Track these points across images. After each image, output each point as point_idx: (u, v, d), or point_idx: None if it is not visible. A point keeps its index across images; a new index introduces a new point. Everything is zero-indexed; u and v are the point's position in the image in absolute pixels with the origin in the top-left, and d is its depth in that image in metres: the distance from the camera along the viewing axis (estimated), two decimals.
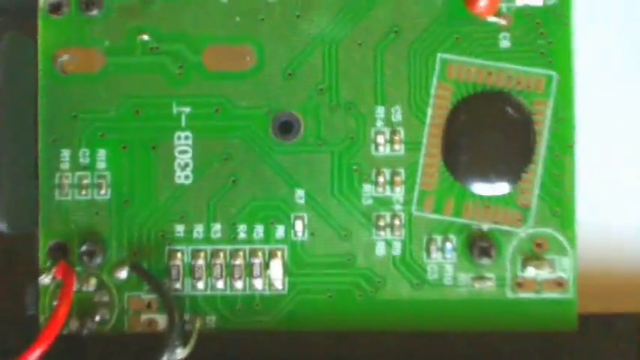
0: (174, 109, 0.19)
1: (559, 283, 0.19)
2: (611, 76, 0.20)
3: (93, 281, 0.19)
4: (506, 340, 0.19)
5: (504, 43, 0.19)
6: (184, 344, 0.18)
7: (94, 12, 0.19)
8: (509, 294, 0.19)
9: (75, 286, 0.19)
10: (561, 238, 0.19)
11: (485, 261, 0.19)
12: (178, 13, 0.19)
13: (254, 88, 0.19)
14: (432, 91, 0.19)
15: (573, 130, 0.19)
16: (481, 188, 0.19)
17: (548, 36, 0.19)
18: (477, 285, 0.19)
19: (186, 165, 0.19)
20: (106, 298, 0.19)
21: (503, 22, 0.19)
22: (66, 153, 0.19)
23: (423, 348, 0.20)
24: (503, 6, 0.19)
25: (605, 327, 0.20)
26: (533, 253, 0.19)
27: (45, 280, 0.19)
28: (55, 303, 0.19)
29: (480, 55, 0.19)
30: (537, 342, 0.20)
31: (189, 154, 0.19)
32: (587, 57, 0.20)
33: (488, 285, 0.19)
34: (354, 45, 0.19)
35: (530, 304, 0.19)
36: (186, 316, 0.19)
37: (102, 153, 0.19)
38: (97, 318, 0.19)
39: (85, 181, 0.19)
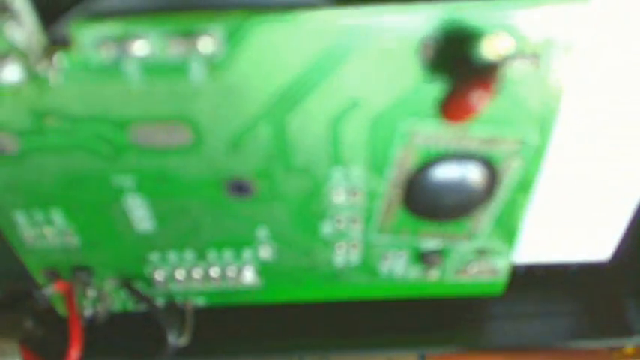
0: (115, 181, 0.19)
1: (493, 271, 0.23)
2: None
3: (91, 291, 0.23)
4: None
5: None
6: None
7: None
8: (450, 280, 0.23)
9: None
10: (501, 246, 0.21)
11: (432, 272, 0.22)
12: (83, 96, 0.16)
13: (198, 161, 0.18)
14: (395, 154, 0.18)
15: (536, 181, 0.19)
16: (437, 220, 0.21)
17: (531, 103, 0.17)
18: (423, 274, 0.23)
19: (144, 219, 0.20)
20: (107, 304, 0.23)
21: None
22: (20, 215, 0.20)
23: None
24: None
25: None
26: (475, 258, 0.22)
27: (48, 291, 0.22)
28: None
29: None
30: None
31: (144, 212, 0.20)
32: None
33: (433, 274, 0.23)
34: (305, 117, 0.17)
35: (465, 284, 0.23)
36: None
37: (56, 212, 0.20)
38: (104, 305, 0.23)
39: (50, 233, 0.20)
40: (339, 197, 0.19)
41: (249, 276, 0.22)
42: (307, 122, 0.17)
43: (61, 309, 0.23)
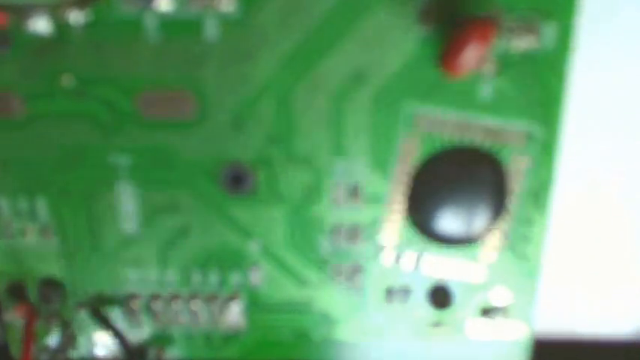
0: (111, 158, 0.19)
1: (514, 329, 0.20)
2: (601, 135, 0.19)
3: (55, 320, 0.21)
4: None
5: (485, 92, 0.18)
6: None
7: (3, 48, 0.17)
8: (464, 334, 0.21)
9: (37, 324, 0.20)
10: (520, 300, 0.20)
11: (441, 312, 0.20)
12: (102, 53, 0.17)
13: (198, 139, 0.18)
14: (397, 145, 0.18)
15: (550, 191, 0.19)
16: (444, 244, 0.19)
17: (536, 84, 0.17)
18: (434, 330, 0.20)
19: (131, 216, 0.19)
20: (70, 335, 0.21)
21: (487, 69, 0.17)
22: (3, 202, 0.19)
23: None
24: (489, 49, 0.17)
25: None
26: (491, 307, 0.20)
27: (7, 318, 0.20)
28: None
29: (455, 106, 0.18)
30: None
31: (132, 206, 0.19)
32: (578, 113, 0.18)
33: (444, 331, 0.20)
34: (310, 90, 0.18)
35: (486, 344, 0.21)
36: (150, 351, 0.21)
37: (41, 202, 0.19)
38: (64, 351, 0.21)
39: (29, 228, 0.19)
40: (339, 198, 0.19)
41: (235, 311, 0.20)
42: (311, 97, 0.18)
43: (15, 347, 0.21)
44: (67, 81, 0.18)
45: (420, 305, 0.20)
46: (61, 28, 0.17)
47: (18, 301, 0.20)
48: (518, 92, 0.17)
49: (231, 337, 0.21)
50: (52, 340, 0.20)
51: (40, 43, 0.17)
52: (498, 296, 0.20)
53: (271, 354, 0.21)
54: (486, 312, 0.20)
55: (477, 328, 0.20)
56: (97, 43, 0.17)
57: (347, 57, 0.17)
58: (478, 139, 0.18)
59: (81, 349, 0.21)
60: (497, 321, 0.20)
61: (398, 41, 0.17)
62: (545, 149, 0.18)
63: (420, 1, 0.16)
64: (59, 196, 0.19)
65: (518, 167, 0.18)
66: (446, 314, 0.20)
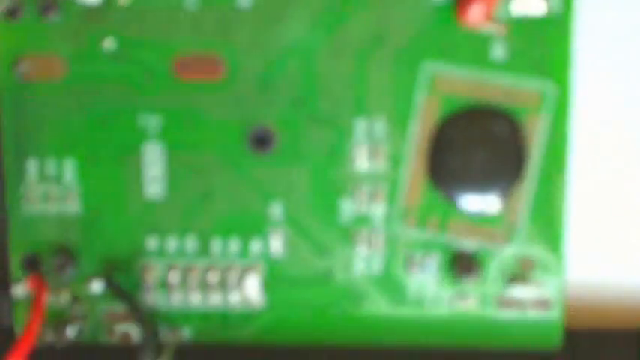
0: (142, 120, 0.19)
1: (544, 303, 0.20)
2: (612, 93, 0.20)
3: (66, 294, 0.20)
4: (487, 358, 0.20)
5: (498, 53, 0.19)
6: (159, 357, 0.19)
7: (53, 16, 0.19)
8: (492, 313, 0.20)
9: (48, 298, 0.20)
10: (549, 257, 0.19)
11: (467, 279, 0.20)
12: (143, 19, 0.19)
13: (227, 100, 0.19)
14: (418, 104, 0.19)
15: (568, 148, 0.19)
16: (467, 205, 0.19)
17: (546, 47, 0.19)
18: (458, 304, 0.20)
19: (156, 178, 0.20)
20: (80, 310, 0.20)
21: (498, 30, 0.18)
22: (32, 163, 0.20)
23: None
24: (499, 11, 0.18)
25: (593, 345, 0.21)
26: (519, 272, 0.20)
27: (18, 291, 0.20)
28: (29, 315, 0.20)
29: (471, 66, 0.19)
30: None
31: (159, 167, 0.20)
32: (589, 71, 0.19)
33: (470, 304, 0.20)
34: (333, 52, 0.19)
35: (514, 323, 0.20)
36: (162, 330, 0.20)
37: (69, 164, 0.20)
38: (72, 330, 0.20)
39: (53, 193, 0.20)
40: (361, 159, 0.20)
41: (252, 285, 0.20)
42: (335, 59, 0.19)
43: (20, 321, 0.20)
44: (108, 45, 0.19)
45: (445, 272, 0.20)
46: None
47: (30, 273, 0.20)
48: (530, 53, 0.19)
49: (247, 315, 0.20)
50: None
51: (86, 10, 0.19)
52: (524, 258, 0.19)
53: (290, 333, 0.20)
54: (513, 278, 0.20)
55: (504, 295, 0.20)
56: (139, 10, 0.19)
57: (368, 20, 0.19)
58: (495, 99, 0.19)
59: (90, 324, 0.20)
60: (525, 286, 0.19)
61: (416, 4, 0.19)
62: (560, 106, 0.19)
63: None
64: (87, 158, 0.20)
65: (534, 126, 0.19)
66: (470, 281, 0.20)
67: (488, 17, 0.18)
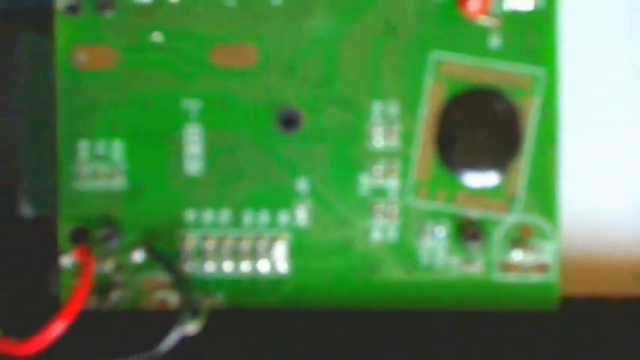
0: (184, 104, 0.22)
1: (542, 267, 0.22)
2: (597, 73, 0.23)
3: (110, 263, 0.22)
4: (492, 319, 0.23)
5: (494, 42, 0.22)
6: (195, 320, 0.21)
7: (109, 12, 0.22)
8: (496, 276, 0.22)
9: (94, 267, 0.22)
10: (545, 224, 0.22)
11: (473, 245, 0.22)
12: (187, 14, 0.22)
13: (257, 84, 0.22)
14: (426, 88, 0.22)
15: (558, 125, 0.22)
16: (471, 178, 0.22)
17: (535, 36, 0.22)
18: (466, 268, 0.22)
19: (195, 156, 0.22)
20: (122, 279, 0.22)
21: (493, 23, 0.22)
22: (83, 144, 0.22)
23: (415, 326, 0.23)
24: (494, 7, 0.22)
25: (588, 309, 0.23)
26: (519, 239, 0.22)
27: (66, 261, 0.22)
28: (75, 283, 0.22)
29: (471, 54, 0.22)
30: (521, 322, 0.23)
31: (198, 146, 0.22)
32: (574, 56, 0.22)
33: (477, 268, 0.22)
34: (351, 43, 0.22)
35: (515, 286, 0.22)
36: (197, 296, 0.22)
37: (117, 144, 0.22)
38: (114, 296, 0.22)
39: (102, 170, 0.22)
40: (377, 137, 0.22)
41: (279, 253, 0.22)
42: (353, 48, 0.22)
43: (69, 293, 0.22)
44: (156, 37, 0.22)
45: (453, 240, 0.22)
46: None
47: (77, 244, 0.22)
48: (522, 42, 0.22)
49: (275, 281, 0.22)
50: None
51: (138, 6, 0.22)
52: (525, 226, 0.22)
53: (314, 299, 0.22)
54: (516, 243, 0.22)
55: (509, 259, 0.22)
56: (184, 7, 0.22)
57: (383, 14, 0.22)
58: (493, 83, 0.22)
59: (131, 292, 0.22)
60: (525, 251, 0.22)
61: (424, 0, 0.22)
62: (549, 88, 0.22)
63: None
64: (134, 139, 0.22)
65: (528, 106, 0.22)
66: (476, 248, 0.22)
67: (485, 10, 0.21)
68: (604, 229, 0.24)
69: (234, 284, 0.22)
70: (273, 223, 0.22)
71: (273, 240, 0.22)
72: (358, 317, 0.23)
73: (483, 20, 0.22)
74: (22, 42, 0.22)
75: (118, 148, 0.22)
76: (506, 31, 0.22)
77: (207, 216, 0.23)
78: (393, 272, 0.22)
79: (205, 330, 0.21)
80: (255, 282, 0.23)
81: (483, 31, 0.22)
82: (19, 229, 0.22)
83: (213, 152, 0.22)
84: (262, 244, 0.22)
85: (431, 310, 0.22)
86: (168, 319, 0.22)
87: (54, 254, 0.22)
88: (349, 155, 0.22)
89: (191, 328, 0.21)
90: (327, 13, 0.22)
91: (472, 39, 0.22)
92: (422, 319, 0.23)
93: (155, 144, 0.22)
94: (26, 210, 0.21)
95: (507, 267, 0.22)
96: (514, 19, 0.22)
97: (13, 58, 0.21)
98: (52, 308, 0.22)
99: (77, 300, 0.21)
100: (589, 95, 0.23)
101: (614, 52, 0.23)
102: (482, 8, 0.21)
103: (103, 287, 0.22)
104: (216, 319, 0.22)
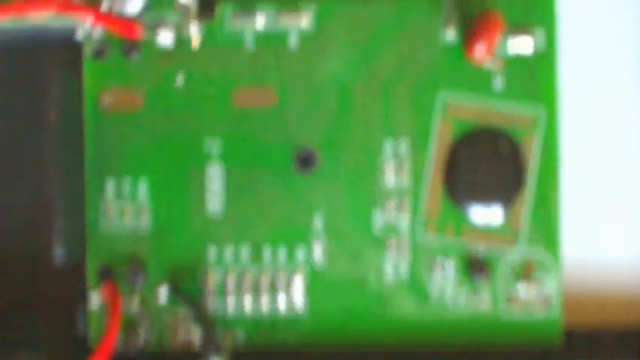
0: (206, 144, 0.23)
1: (546, 302, 0.23)
2: (596, 115, 0.25)
3: (136, 301, 0.23)
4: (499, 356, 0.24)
5: (498, 85, 0.24)
6: (218, 358, 0.22)
7: (134, 56, 0.23)
8: (502, 312, 0.23)
9: (121, 304, 0.23)
10: (548, 258, 0.23)
11: (480, 278, 0.23)
12: (209, 58, 0.23)
13: (276, 125, 0.23)
14: (435, 128, 0.23)
15: (559, 162, 0.24)
16: (478, 214, 0.24)
17: (536, 78, 0.23)
18: (474, 303, 0.23)
19: (217, 194, 0.23)
20: (147, 317, 0.23)
21: (497, 66, 0.23)
22: (110, 185, 0.23)
23: None
24: (497, 51, 0.23)
25: (591, 341, 0.24)
26: (523, 272, 0.23)
27: (93, 299, 0.23)
28: (103, 323, 0.23)
29: (477, 95, 0.23)
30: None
31: (219, 185, 0.23)
32: (573, 96, 0.24)
33: (484, 303, 0.23)
34: (365, 85, 0.23)
35: (520, 319, 0.23)
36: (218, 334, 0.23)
37: (142, 184, 0.23)
38: (140, 335, 0.23)
39: (128, 210, 0.23)
40: (389, 175, 0.24)
41: (297, 288, 0.23)
42: (366, 89, 0.24)
43: (96, 333, 0.23)
44: (180, 81, 0.23)
45: (462, 274, 0.23)
46: (181, 39, 0.23)
47: (105, 283, 0.23)
48: (524, 84, 0.23)
49: (293, 316, 0.23)
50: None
51: (163, 51, 0.23)
52: (529, 260, 0.23)
53: (330, 335, 0.23)
54: (519, 278, 0.23)
55: (514, 292, 0.23)
56: (207, 51, 0.23)
57: (393, 58, 0.24)
58: (497, 123, 0.24)
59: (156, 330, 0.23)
60: (530, 283, 0.23)
61: (431, 44, 0.23)
62: (550, 127, 0.23)
63: (445, 14, 0.23)
64: (158, 178, 0.24)
65: (530, 145, 0.24)
66: (482, 282, 0.23)
67: (490, 55, 0.23)
68: (604, 264, 0.25)
69: (254, 322, 0.23)
70: (291, 259, 0.24)
71: (291, 275, 0.23)
72: (372, 355, 0.23)
73: (488, 63, 0.23)
74: (53, 79, 0.23)
75: (143, 188, 0.23)
76: (509, 74, 0.24)
77: (229, 253, 0.24)
78: (405, 308, 0.23)
79: None
80: (273, 317, 0.23)
81: (487, 74, 0.24)
82: (48, 272, 0.23)
83: (233, 191, 0.24)
84: (281, 280, 0.23)
85: (440, 346, 0.23)
86: (192, 358, 0.22)
87: (82, 295, 0.23)
88: (363, 192, 0.24)
89: None
90: (342, 56, 0.23)
91: (477, 81, 0.24)
92: (433, 358, 0.23)
93: (178, 183, 0.24)
94: (59, 256, 0.22)
95: (513, 300, 0.23)
96: (516, 62, 0.23)
97: (44, 95, 0.22)
98: (79, 350, 0.23)
99: (109, 338, 0.22)
100: (589, 134, 0.25)
101: (617, 95, 0.25)
102: (488, 53, 0.22)
103: (128, 326, 0.23)
104: (237, 358, 0.23)
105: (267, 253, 0.24)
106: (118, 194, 0.23)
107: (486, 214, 0.24)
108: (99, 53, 0.23)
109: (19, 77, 0.23)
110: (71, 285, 0.23)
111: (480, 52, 0.22)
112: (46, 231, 0.23)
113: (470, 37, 0.22)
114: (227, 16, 0.23)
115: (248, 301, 0.23)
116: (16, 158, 0.23)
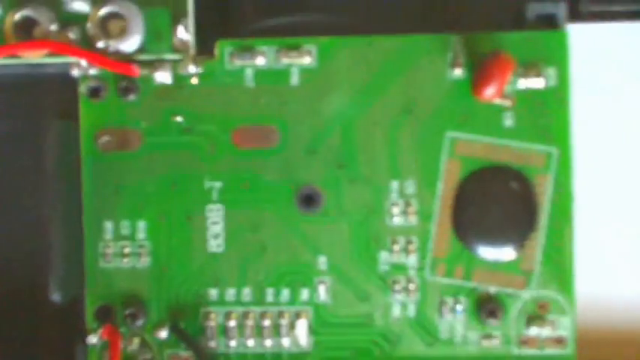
0: (206, 184, 0.23)
1: (559, 341, 0.23)
2: (609, 151, 0.24)
3: (136, 341, 0.23)
4: None
5: (508, 122, 0.23)
6: None
7: (131, 95, 0.23)
8: (515, 351, 0.23)
9: (120, 346, 0.22)
10: (561, 299, 0.23)
11: (492, 322, 0.22)
12: (208, 96, 0.23)
13: (279, 164, 0.23)
14: (442, 166, 0.23)
15: (572, 202, 0.23)
16: (488, 255, 0.23)
17: (548, 115, 0.22)
18: (485, 343, 0.23)
19: (218, 235, 0.23)
20: (148, 357, 0.23)
21: (507, 103, 0.22)
22: (108, 225, 0.23)
23: None
24: (508, 88, 0.22)
25: None
26: (536, 314, 0.23)
27: (93, 340, 0.23)
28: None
29: (486, 133, 0.23)
30: None
31: (221, 225, 0.23)
32: (586, 134, 0.23)
33: (495, 342, 0.23)
34: (370, 123, 0.23)
35: (533, 357, 0.23)
36: None
37: (141, 224, 0.23)
38: None
39: (127, 250, 0.23)
40: (395, 214, 0.23)
41: (301, 329, 0.23)
42: (370, 128, 0.23)
43: None
44: (178, 119, 0.23)
45: (472, 315, 0.23)
46: (179, 78, 0.23)
47: (104, 323, 0.23)
48: (535, 122, 0.23)
49: (297, 357, 0.23)
50: None
51: (161, 90, 0.23)
52: (540, 301, 0.23)
53: None
54: (531, 319, 0.23)
55: (527, 334, 0.23)
56: (206, 89, 0.23)
57: (399, 95, 0.23)
58: (507, 161, 0.23)
59: None
60: (542, 326, 0.22)
61: (438, 82, 0.23)
62: (562, 166, 0.23)
63: (452, 53, 0.22)
64: (157, 218, 0.23)
65: (542, 183, 0.23)
66: (494, 323, 0.22)
67: (500, 96, 0.22)
68: (617, 303, 0.24)
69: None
70: (294, 300, 0.23)
71: (296, 316, 0.23)
72: None
73: (498, 100, 0.22)
74: (51, 129, 0.22)
75: (142, 228, 0.23)
76: (519, 111, 0.23)
77: (230, 293, 0.23)
78: (413, 347, 0.23)
79: None
80: (277, 358, 0.23)
81: (497, 111, 0.23)
82: (47, 311, 0.23)
83: (235, 231, 0.23)
84: (284, 321, 0.23)
85: None
86: None
87: (81, 334, 0.23)
88: (368, 232, 0.23)
89: None
90: (346, 94, 0.23)
91: (486, 118, 0.23)
92: None
93: (178, 223, 0.23)
94: (56, 296, 0.22)
95: (525, 341, 0.23)
96: (527, 98, 0.23)
97: (43, 144, 0.22)
98: None
99: None
100: (601, 171, 0.24)
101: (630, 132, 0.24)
102: (498, 95, 0.22)
103: None
104: None
105: (270, 294, 0.23)
106: (117, 235, 0.23)
107: (497, 255, 0.23)
108: (95, 92, 0.23)
109: (16, 115, 0.23)
110: (71, 323, 0.23)
111: (489, 93, 0.21)
112: (44, 271, 0.23)
113: (479, 78, 0.22)
114: (226, 54, 0.23)
115: (251, 342, 0.23)
116: (15, 198, 0.23)
